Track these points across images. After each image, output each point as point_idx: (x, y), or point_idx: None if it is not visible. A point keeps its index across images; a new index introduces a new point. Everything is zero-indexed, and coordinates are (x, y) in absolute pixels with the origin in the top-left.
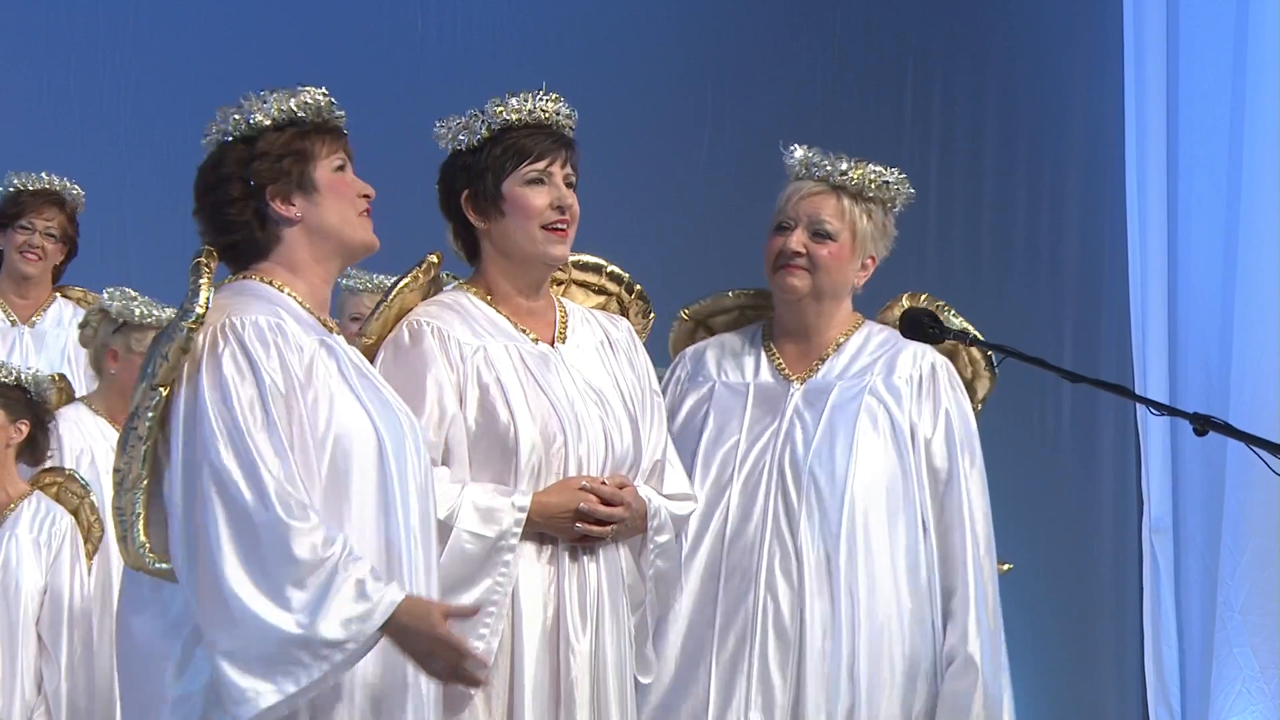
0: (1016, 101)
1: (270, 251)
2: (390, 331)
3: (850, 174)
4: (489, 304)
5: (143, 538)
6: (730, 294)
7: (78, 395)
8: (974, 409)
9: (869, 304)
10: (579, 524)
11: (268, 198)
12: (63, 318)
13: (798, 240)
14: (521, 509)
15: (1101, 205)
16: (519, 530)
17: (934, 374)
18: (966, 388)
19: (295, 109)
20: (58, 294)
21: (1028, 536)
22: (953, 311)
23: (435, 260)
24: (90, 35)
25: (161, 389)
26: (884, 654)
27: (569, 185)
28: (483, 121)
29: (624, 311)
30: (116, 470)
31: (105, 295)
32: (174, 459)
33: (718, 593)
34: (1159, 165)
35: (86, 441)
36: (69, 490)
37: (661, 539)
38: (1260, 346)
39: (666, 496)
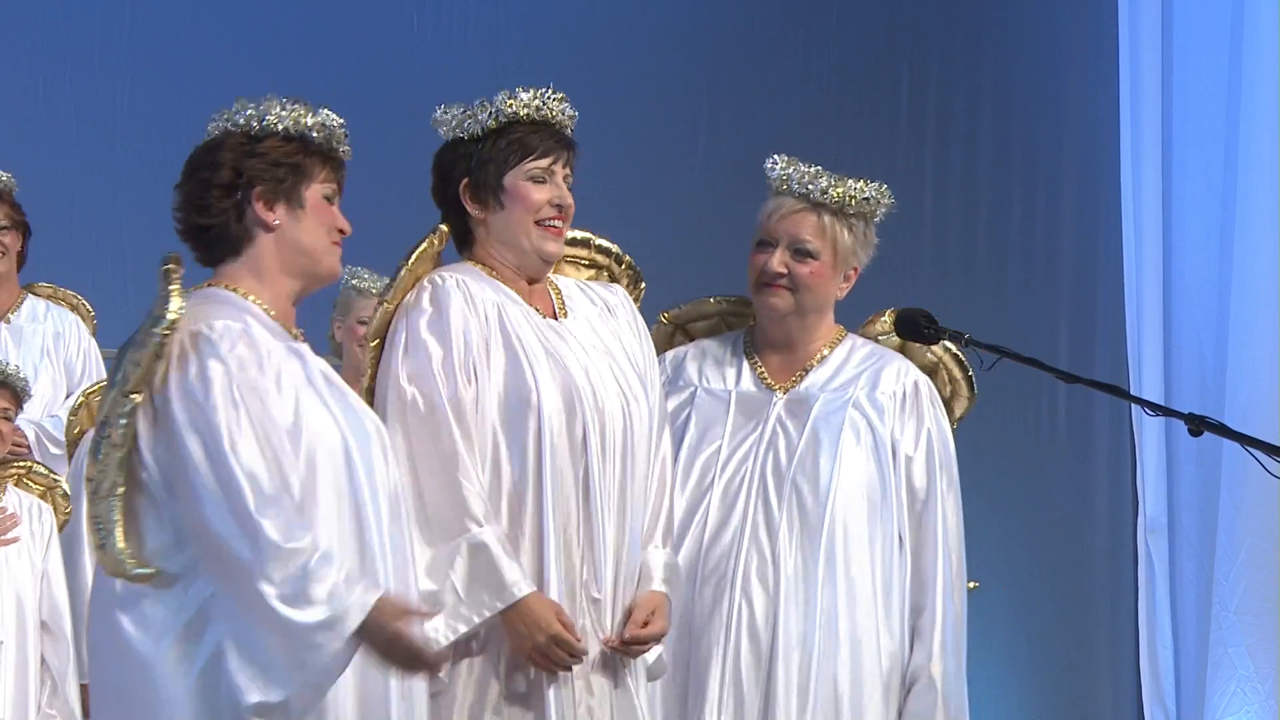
0: (1011, 103)
1: (240, 251)
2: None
3: (830, 192)
4: (493, 278)
5: (121, 544)
6: (711, 300)
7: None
8: (951, 427)
9: (859, 311)
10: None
11: (253, 197)
12: (37, 313)
13: (779, 260)
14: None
15: (1097, 206)
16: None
17: (917, 391)
18: (945, 406)
19: (309, 127)
20: (28, 293)
21: (1023, 537)
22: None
23: (445, 229)
24: (85, 34)
25: (135, 396)
26: (865, 668)
27: (567, 186)
28: (490, 113)
29: (615, 283)
30: (89, 479)
31: None
32: (150, 463)
33: (693, 596)
34: (1154, 166)
35: None
36: (28, 481)
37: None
38: (1255, 346)
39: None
